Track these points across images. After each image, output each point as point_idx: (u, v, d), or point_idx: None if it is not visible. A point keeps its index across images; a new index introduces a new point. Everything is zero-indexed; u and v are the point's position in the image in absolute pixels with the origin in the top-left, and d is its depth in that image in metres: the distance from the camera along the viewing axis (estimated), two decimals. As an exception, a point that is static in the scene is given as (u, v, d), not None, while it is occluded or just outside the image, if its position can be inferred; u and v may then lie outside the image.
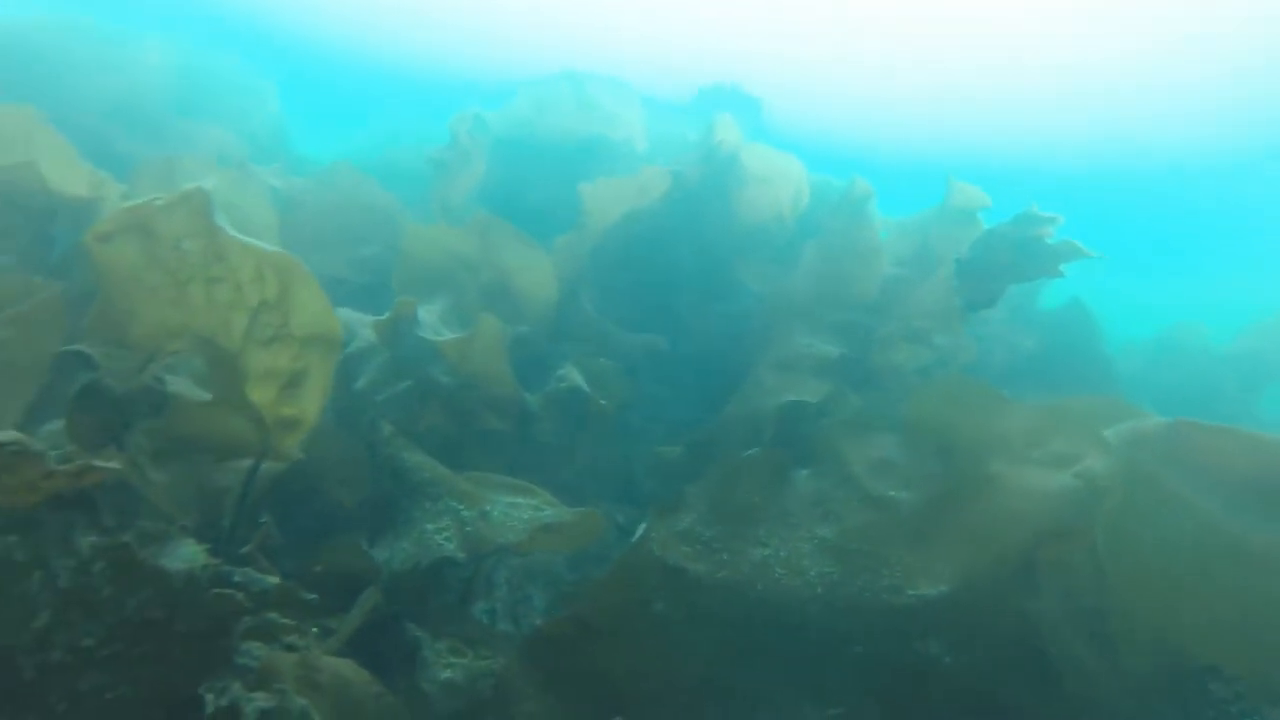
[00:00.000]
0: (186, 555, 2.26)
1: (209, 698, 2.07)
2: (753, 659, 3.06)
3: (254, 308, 2.66)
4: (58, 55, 7.15)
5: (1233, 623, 2.64)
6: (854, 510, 3.44)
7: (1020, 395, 3.76)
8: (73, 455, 2.01)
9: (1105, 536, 2.72)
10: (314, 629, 2.61)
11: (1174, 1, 22.80)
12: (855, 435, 3.79)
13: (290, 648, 2.46)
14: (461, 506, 3.36)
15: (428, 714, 2.94)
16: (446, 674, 3.04)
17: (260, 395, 2.66)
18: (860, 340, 5.19)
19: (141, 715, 2.12)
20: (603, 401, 4.31)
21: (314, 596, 2.42)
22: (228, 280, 2.67)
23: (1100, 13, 24.68)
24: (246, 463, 3.08)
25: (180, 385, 2.73)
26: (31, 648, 1.85)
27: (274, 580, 2.40)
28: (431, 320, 3.99)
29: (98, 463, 1.94)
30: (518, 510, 3.43)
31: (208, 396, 2.75)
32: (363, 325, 4.03)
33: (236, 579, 2.38)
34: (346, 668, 2.73)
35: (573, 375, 4.42)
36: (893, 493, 3.46)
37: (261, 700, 2.13)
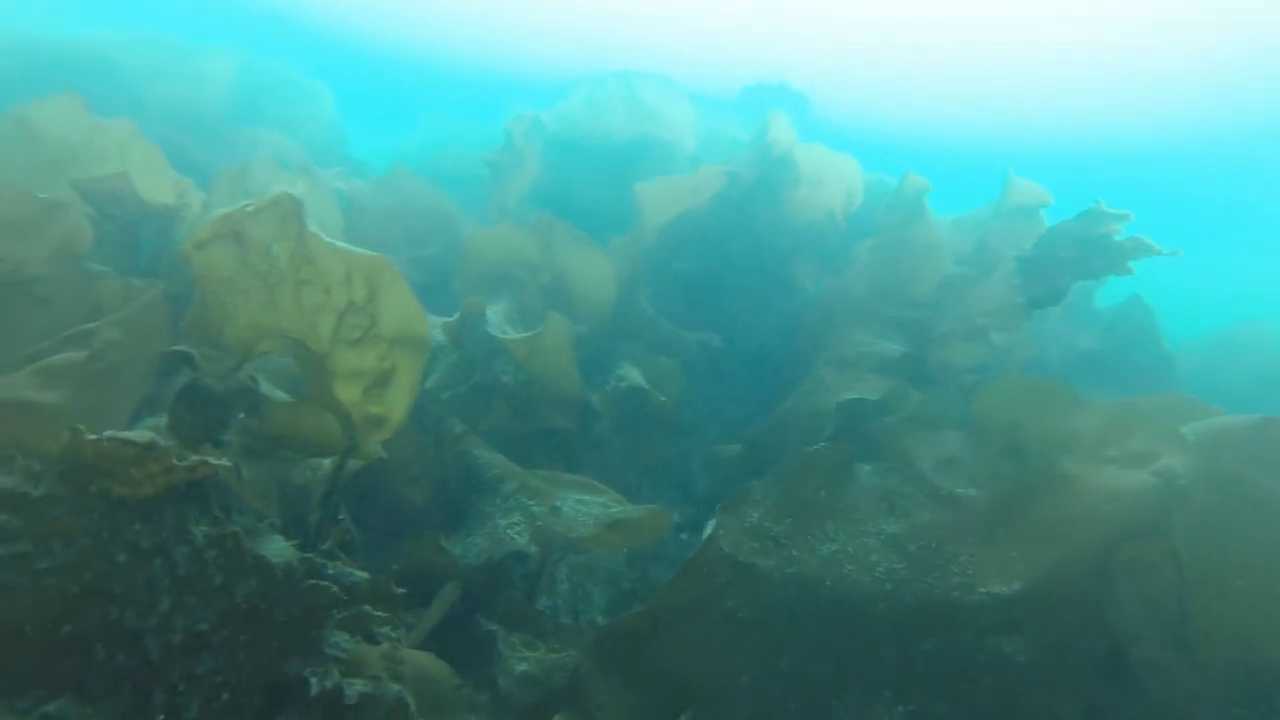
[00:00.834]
0: (278, 549, 2.36)
1: (313, 681, 2.16)
2: (822, 655, 3.08)
3: (341, 309, 2.76)
4: (133, 68, 7.44)
5: (1321, 625, 2.59)
6: (921, 507, 3.44)
7: (1079, 394, 3.71)
8: (184, 451, 2.11)
9: (1186, 536, 2.68)
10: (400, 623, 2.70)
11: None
12: (920, 432, 3.78)
13: (373, 640, 2.56)
14: (532, 502, 3.44)
15: (504, 706, 3.03)
16: (521, 667, 3.12)
17: (347, 394, 2.76)
18: (917, 338, 5.16)
19: (244, 698, 2.23)
20: (663, 399, 4.35)
21: (403, 590, 2.51)
22: (316, 283, 2.78)
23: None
24: (323, 461, 3.20)
25: (270, 385, 2.84)
26: (156, 630, 1.96)
27: (363, 574, 2.49)
28: (496, 319, 4.07)
29: (210, 459, 2.04)
30: (586, 507, 3.49)
31: (297, 396, 2.85)
32: (431, 325, 4.14)
33: (329, 571, 2.47)
34: (428, 660, 2.82)
35: (632, 374, 4.47)
36: (961, 490, 3.45)
37: (360, 685, 2.22)
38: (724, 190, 6.11)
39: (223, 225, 2.79)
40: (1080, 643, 2.86)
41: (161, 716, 1.96)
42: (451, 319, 3.82)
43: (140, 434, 1.93)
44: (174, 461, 2.00)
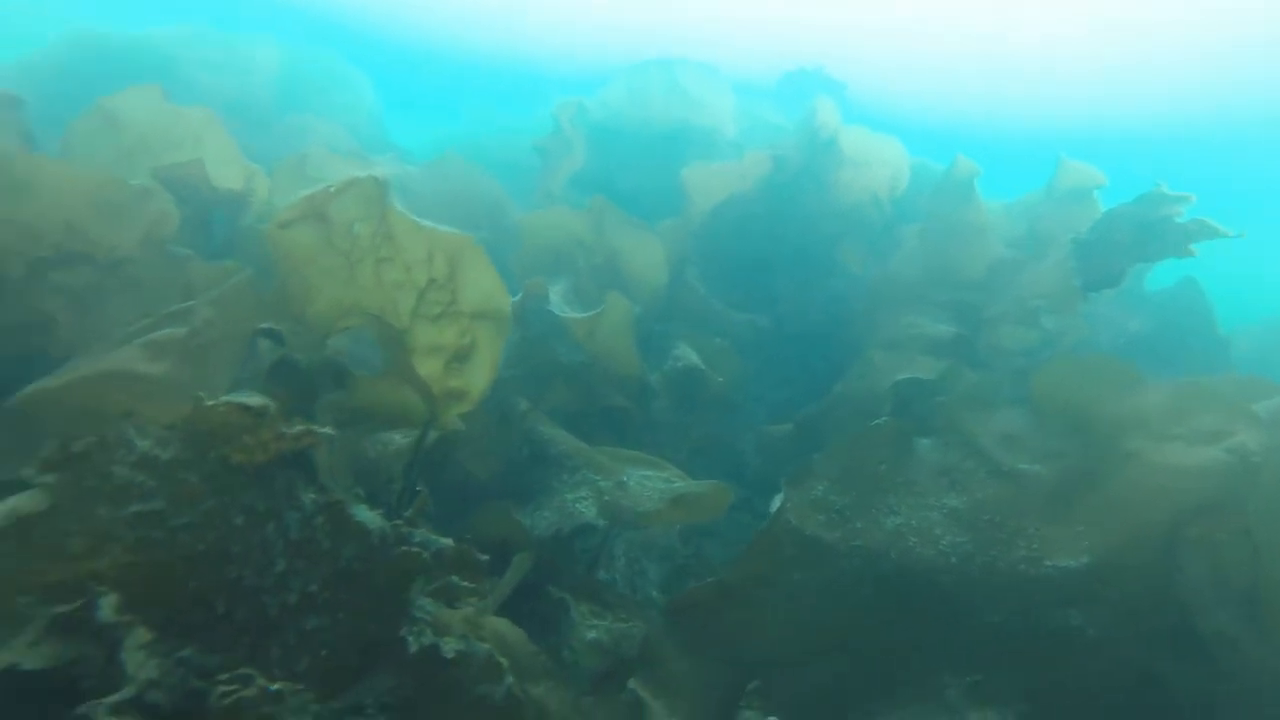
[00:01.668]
0: (370, 516, 2.46)
1: (410, 639, 2.26)
2: (888, 626, 3.14)
3: (422, 286, 2.85)
4: (186, 61, 7.63)
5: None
6: (983, 482, 3.47)
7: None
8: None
9: (1260, 513, 2.70)
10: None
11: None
12: (979, 409, 3.81)
13: (455, 605, 2.66)
14: (598, 477, 3.52)
15: (576, 672, 3.12)
16: (592, 634, 3.21)
17: (428, 368, 2.85)
18: (968, 320, 5.16)
19: (344, 656, 2.33)
20: (720, 379, 4.41)
21: (486, 558, 2.60)
22: (396, 260, 2.87)
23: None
24: (394, 435, 3.31)
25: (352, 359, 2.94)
26: (273, 589, 2.06)
27: (448, 541, 2.59)
28: (556, 300, 4.15)
29: (314, 428, 2.14)
30: (651, 482, 3.57)
31: (378, 370, 2.96)
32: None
33: (416, 539, 2.57)
34: (505, 626, 2.92)
35: (688, 354, 4.53)
36: (1023, 466, 3.47)
37: (453, 643, 2.32)
38: (770, 174, 6.14)
39: (307, 206, 2.89)
40: (1149, 615, 2.89)
41: (276, 669, 2.07)
42: (515, 298, 3.91)
43: (254, 398, 2.03)
44: (283, 429, 2.10)
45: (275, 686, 1.76)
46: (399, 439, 3.23)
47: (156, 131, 4.17)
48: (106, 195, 3.14)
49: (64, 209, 3.10)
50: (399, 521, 2.58)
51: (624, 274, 4.96)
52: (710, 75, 8.44)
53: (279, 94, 8.33)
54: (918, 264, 5.38)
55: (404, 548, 2.45)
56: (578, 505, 3.40)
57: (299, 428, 2.12)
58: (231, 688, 1.72)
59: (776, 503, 3.27)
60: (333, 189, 2.88)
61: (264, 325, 2.76)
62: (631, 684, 2.99)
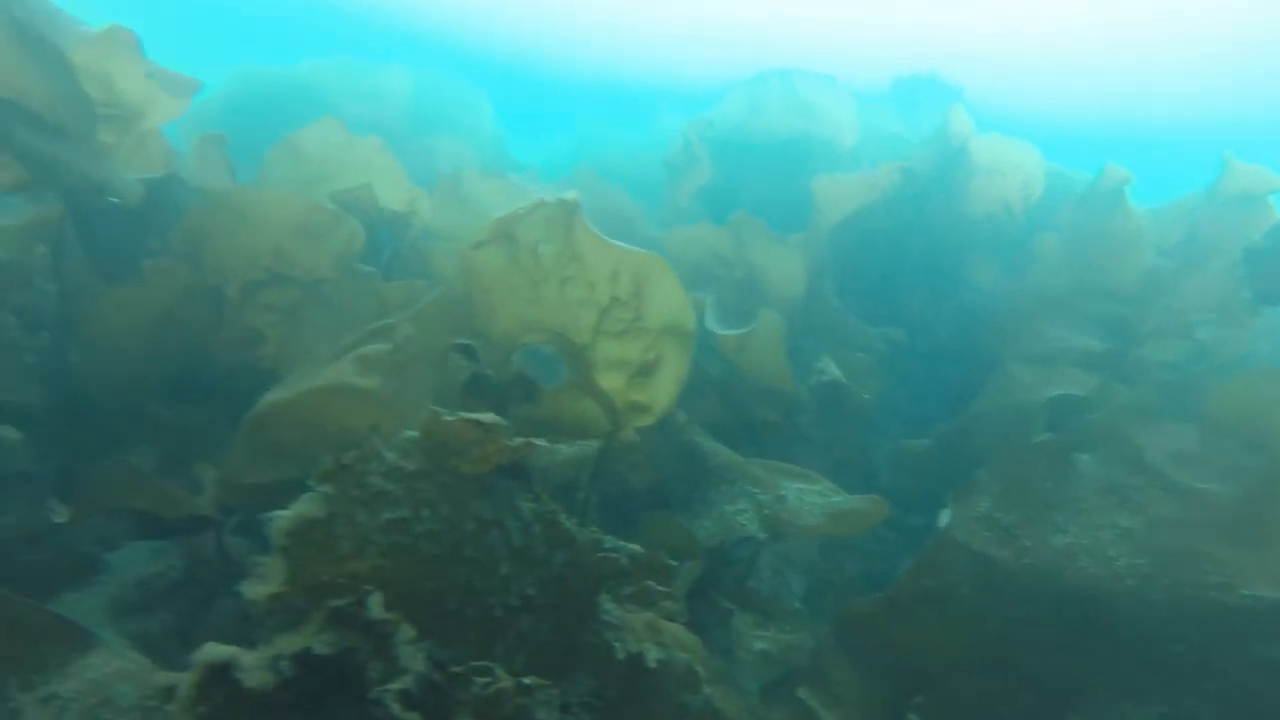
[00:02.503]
0: (572, 524, 2.60)
1: (616, 645, 2.39)
2: (1062, 649, 3.08)
3: (604, 304, 2.99)
4: (328, 89, 8.18)
5: None
6: (1156, 501, 3.36)
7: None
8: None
9: None
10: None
11: None
12: (1146, 424, 3.68)
13: (641, 609, 2.77)
14: (757, 490, 3.59)
15: (745, 680, 3.20)
16: (759, 645, 3.28)
17: (610, 382, 2.99)
18: (1119, 333, 4.98)
19: (551, 656, 2.48)
20: (864, 395, 4.42)
21: (675, 564, 2.71)
22: (580, 279, 3.02)
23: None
24: (560, 446, 3.46)
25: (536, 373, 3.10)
26: (498, 590, 2.22)
27: (638, 548, 2.71)
28: (707, 315, 4.25)
29: (533, 439, 2.29)
30: (808, 495, 3.61)
31: (559, 383, 3.12)
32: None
33: (608, 545, 2.70)
34: (681, 631, 3.01)
35: (831, 368, 4.55)
36: (1202, 485, 3.34)
37: (655, 652, 2.43)
38: (899, 185, 6.08)
39: (497, 228, 3.09)
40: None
41: (499, 665, 2.22)
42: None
43: (485, 415, 2.19)
44: (506, 441, 2.26)
45: (527, 680, 1.90)
46: (565, 449, 3.39)
47: (334, 160, 4.50)
48: (309, 221, 3.43)
49: (274, 235, 3.40)
50: (591, 529, 2.73)
51: (764, 288, 5.02)
52: (828, 85, 8.41)
53: (411, 117, 8.80)
54: (1062, 275, 5.23)
55: (601, 553, 2.58)
56: (738, 517, 3.48)
57: (519, 440, 2.27)
58: (486, 679, 1.87)
59: (943, 518, 3.25)
60: (521, 211, 3.06)
61: (459, 341, 2.95)
62: (801, 693, 3.05)
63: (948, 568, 3.15)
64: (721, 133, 7.71)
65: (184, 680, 1.77)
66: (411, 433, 2.33)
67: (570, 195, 2.93)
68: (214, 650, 1.79)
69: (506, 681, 1.88)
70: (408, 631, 1.90)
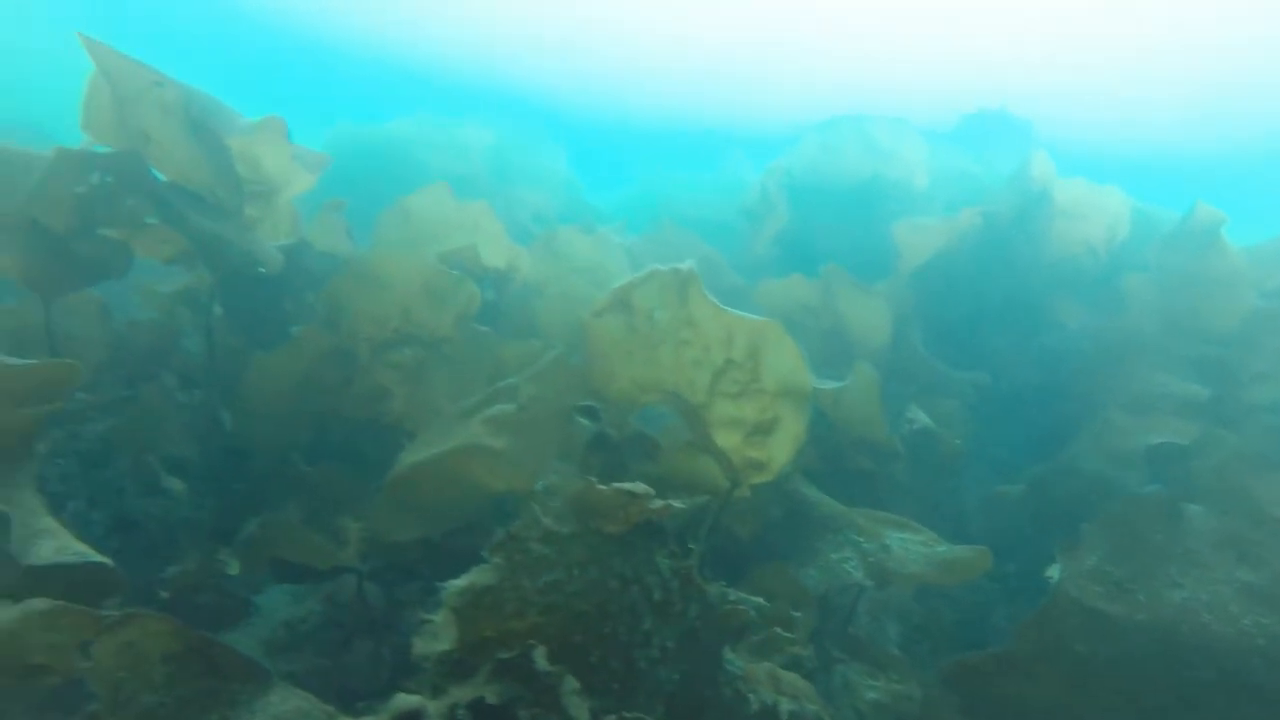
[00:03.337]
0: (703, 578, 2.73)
1: (751, 696, 2.51)
2: (1187, 709, 3.07)
3: (719, 365, 3.14)
4: (417, 145, 8.64)
5: None
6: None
7: None
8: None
9: None
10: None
11: None
12: (1259, 473, 3.65)
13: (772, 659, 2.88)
14: (861, 539, 3.67)
15: (854, 729, 3.26)
16: (872, 694, 3.35)
17: (727, 440, 3.13)
18: (1218, 376, 4.92)
19: (684, 706, 2.60)
20: (956, 442, 4.46)
21: (799, 614, 2.82)
22: (695, 342, 3.18)
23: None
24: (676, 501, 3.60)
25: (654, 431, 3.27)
26: (640, 643, 2.37)
27: (761, 600, 2.83)
28: (798, 367, 4.37)
29: (674, 502, 2.45)
30: (911, 545, 3.68)
31: (677, 442, 3.27)
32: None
33: (731, 598, 2.83)
34: (799, 681, 3.11)
35: (921, 416, 4.62)
36: (1325, 542, 3.31)
37: (787, 703, 2.54)
38: (979, 229, 6.13)
39: (614, 296, 3.28)
40: None
41: (640, 713, 2.36)
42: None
43: (637, 486, 2.36)
44: (650, 505, 2.42)
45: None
46: (679, 504, 3.53)
47: (441, 221, 4.80)
48: (434, 283, 3.69)
49: (403, 298, 3.67)
50: (721, 583, 2.86)
51: (849, 336, 5.12)
52: (900, 127, 8.52)
53: (493, 168, 9.21)
54: (1154, 317, 5.20)
55: (729, 605, 2.71)
56: (844, 565, 3.56)
57: (660, 503, 2.43)
58: (645, 731, 2.02)
59: (1054, 573, 3.28)
60: (637, 280, 3.25)
61: (582, 404, 3.14)
62: (915, 746, 3.10)
63: (1060, 623, 3.18)
64: (795, 178, 7.86)
65: (378, 725, 1.95)
66: (543, 487, 2.52)
67: (686, 266, 3.11)
68: (404, 700, 1.97)
69: (664, 732, 2.01)
70: (572, 683, 2.05)
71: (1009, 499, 4.98)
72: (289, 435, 3.61)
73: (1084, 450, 4.87)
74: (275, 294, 4.09)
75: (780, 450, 3.01)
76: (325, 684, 3.31)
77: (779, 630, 2.70)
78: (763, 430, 3.04)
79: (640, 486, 2.36)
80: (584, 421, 3.17)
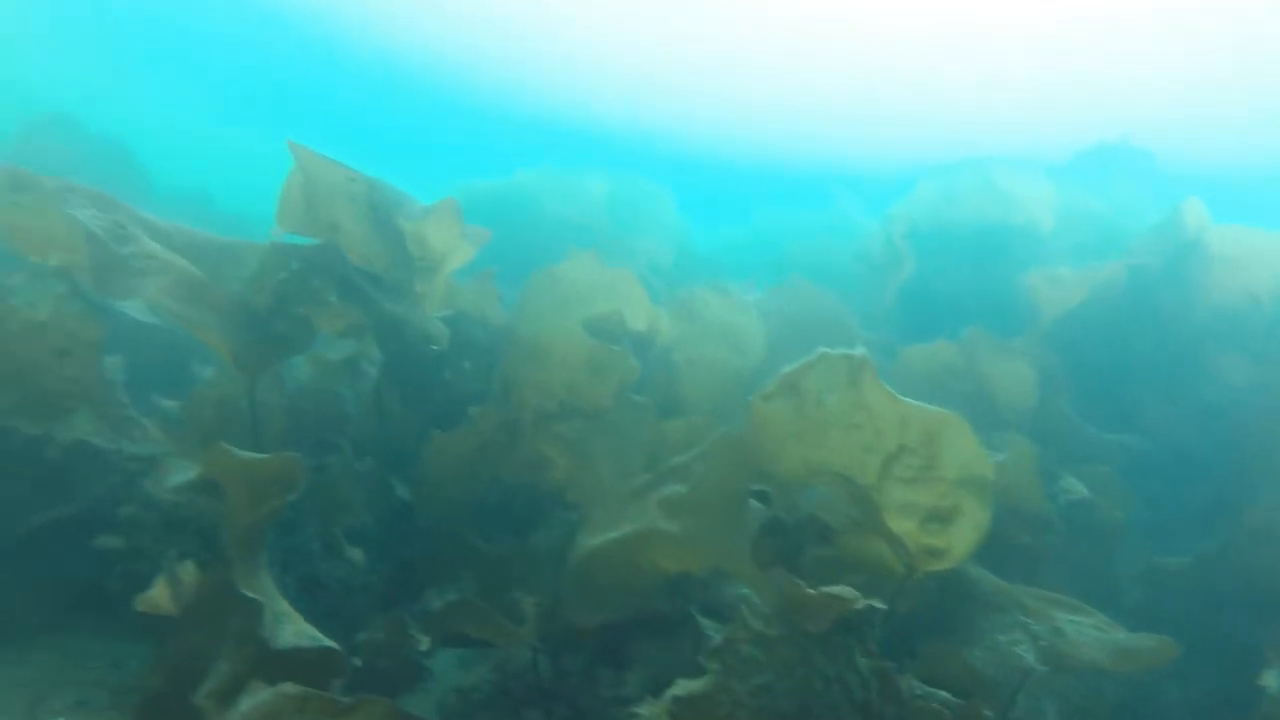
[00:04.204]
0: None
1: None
2: None
3: (892, 451, 3.13)
4: (539, 195, 9.00)
5: None
6: None
7: None
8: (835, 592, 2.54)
9: None
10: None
11: None
12: None
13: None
14: (1030, 620, 3.57)
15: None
16: (1051, 791, 3.23)
17: (900, 525, 3.11)
18: None
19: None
20: (1116, 513, 4.29)
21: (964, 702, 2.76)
22: (866, 427, 3.18)
23: None
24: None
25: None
26: (840, 747, 2.37)
27: (945, 694, 2.78)
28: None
29: (875, 603, 2.45)
30: (1083, 628, 3.55)
31: (846, 525, 3.27)
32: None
33: (918, 692, 2.79)
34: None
35: (1076, 486, 4.46)
36: None
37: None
38: (1124, 280, 5.91)
39: (784, 380, 3.32)
40: None
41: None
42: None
43: (845, 591, 2.38)
44: (855, 606, 2.43)
45: None
46: (876, 604, 3.49)
47: (587, 286, 4.96)
48: (597, 358, 3.82)
49: (569, 372, 3.81)
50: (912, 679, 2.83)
51: (993, 398, 5.01)
52: (1023, 170, 8.31)
53: (607, 215, 9.47)
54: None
55: (920, 700, 2.68)
56: (1015, 648, 3.46)
57: (862, 602, 2.44)
58: None
59: (1271, 681, 3.11)
60: (806, 365, 3.28)
61: (756, 488, 3.18)
62: None
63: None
64: (917, 226, 7.76)
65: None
66: (745, 590, 2.57)
67: (858, 352, 3.12)
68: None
69: None
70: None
71: (1172, 572, 4.74)
72: (460, 506, 3.78)
73: (1263, 521, 4.59)
74: (437, 364, 4.31)
75: (961, 539, 2.98)
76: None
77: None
78: (941, 518, 3.01)
79: (848, 591, 2.38)
80: (757, 504, 3.21)
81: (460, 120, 43.19)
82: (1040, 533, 4.24)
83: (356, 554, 3.73)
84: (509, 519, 4.10)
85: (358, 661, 3.35)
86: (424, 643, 3.07)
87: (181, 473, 3.17)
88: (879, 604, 2.48)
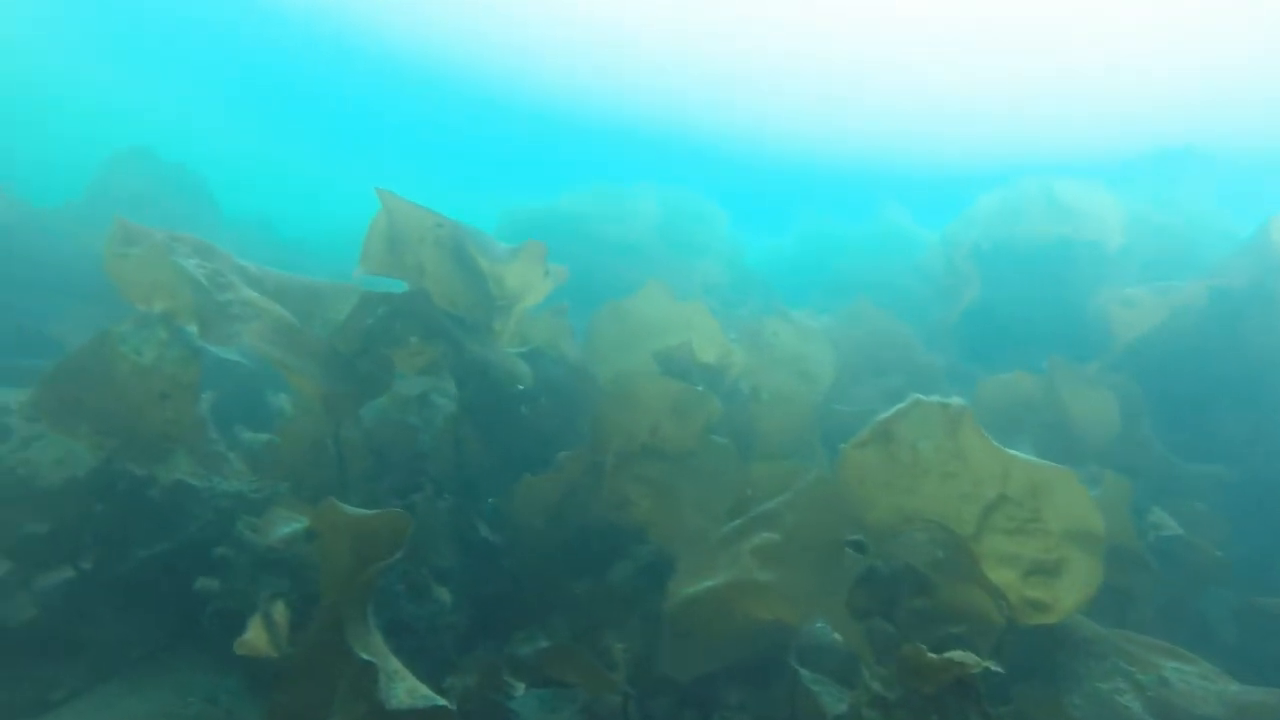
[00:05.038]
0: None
1: None
2: None
3: (990, 500, 3.07)
4: (587, 217, 9.04)
5: None
6: None
7: None
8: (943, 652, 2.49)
9: None
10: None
11: None
12: None
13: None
14: (1132, 669, 3.46)
15: None
16: None
17: (1000, 576, 3.04)
18: None
19: None
20: (1217, 553, 4.15)
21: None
22: (963, 476, 3.13)
23: None
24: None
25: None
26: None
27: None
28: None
29: (991, 665, 2.40)
30: (1190, 679, 3.43)
31: (939, 573, 3.21)
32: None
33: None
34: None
35: (1167, 521, 4.33)
36: None
37: None
38: (1207, 302, 5.74)
39: (877, 428, 3.27)
40: None
41: None
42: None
43: (965, 655, 2.34)
44: (971, 669, 2.38)
45: None
46: (993, 667, 3.42)
47: (656, 319, 4.97)
48: (682, 401, 3.81)
49: (653, 415, 3.81)
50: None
51: (1072, 429, 4.89)
52: (1088, 185, 8.13)
53: (659, 234, 9.47)
54: None
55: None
56: (1118, 698, 3.36)
57: (981, 665, 2.39)
58: None
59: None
60: (900, 412, 3.24)
61: (852, 538, 3.14)
62: None
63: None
64: (977, 245, 7.63)
65: None
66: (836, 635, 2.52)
67: (956, 403, 3.07)
68: None
69: None
70: None
71: (1271, 614, 4.57)
72: (547, 547, 3.80)
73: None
74: (516, 400, 4.34)
75: (1069, 593, 2.91)
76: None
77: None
78: (1046, 570, 2.94)
79: (969, 656, 2.33)
80: (853, 553, 3.17)
81: (479, 112, 43.30)
82: (1133, 572, 4.12)
83: (444, 594, 3.76)
84: (588, 556, 4.11)
85: (452, 707, 3.39)
86: (519, 689, 3.09)
87: (287, 524, 3.23)
88: (995, 667, 2.42)
